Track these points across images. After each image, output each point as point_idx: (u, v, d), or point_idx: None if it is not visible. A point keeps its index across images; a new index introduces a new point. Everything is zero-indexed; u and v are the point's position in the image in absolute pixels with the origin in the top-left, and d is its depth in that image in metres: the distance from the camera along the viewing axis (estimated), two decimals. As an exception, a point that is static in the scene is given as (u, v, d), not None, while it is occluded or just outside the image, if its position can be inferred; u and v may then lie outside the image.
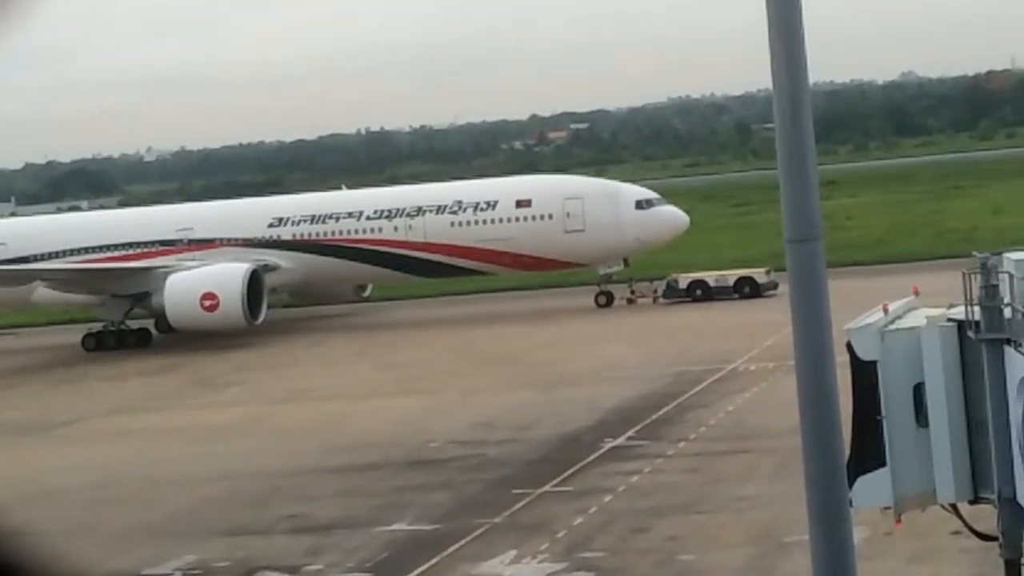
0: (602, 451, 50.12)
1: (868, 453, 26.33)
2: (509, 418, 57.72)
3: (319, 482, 49.55)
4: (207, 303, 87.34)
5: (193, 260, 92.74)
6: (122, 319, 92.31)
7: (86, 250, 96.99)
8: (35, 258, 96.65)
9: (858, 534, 22.58)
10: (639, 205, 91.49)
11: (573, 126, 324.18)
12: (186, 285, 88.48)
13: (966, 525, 28.09)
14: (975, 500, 26.74)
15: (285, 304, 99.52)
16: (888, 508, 26.91)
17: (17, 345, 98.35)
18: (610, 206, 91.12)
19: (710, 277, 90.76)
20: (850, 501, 19.46)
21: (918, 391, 26.47)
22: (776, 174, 17.07)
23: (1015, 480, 24.94)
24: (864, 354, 26.52)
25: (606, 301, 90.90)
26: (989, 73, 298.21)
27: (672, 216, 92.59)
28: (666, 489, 44.13)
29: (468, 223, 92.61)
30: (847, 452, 21.11)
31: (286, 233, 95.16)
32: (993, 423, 25.25)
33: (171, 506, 48.18)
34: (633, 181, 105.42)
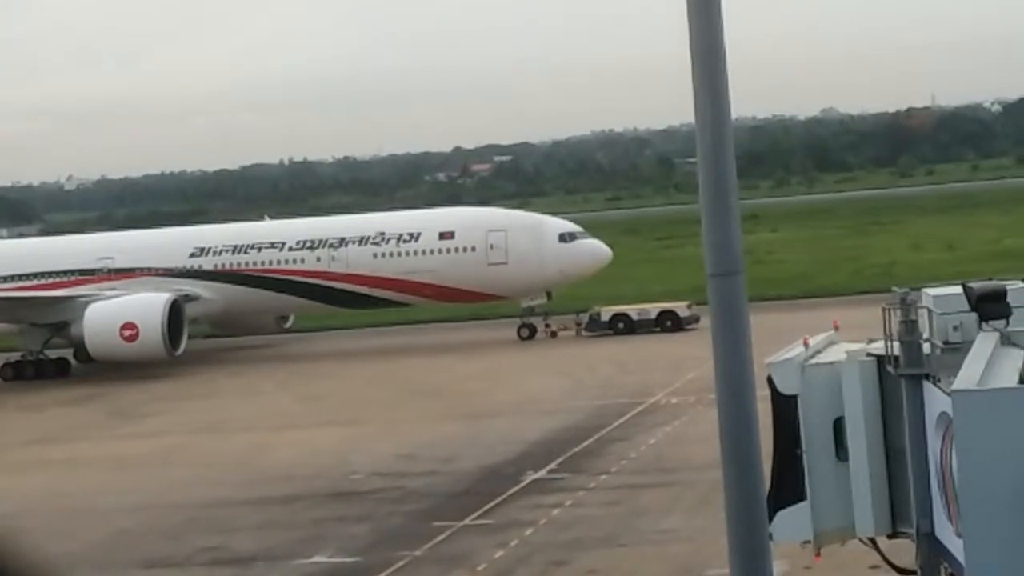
0: (524, 484, 50.05)
1: (788, 487, 26.42)
2: (431, 450, 57.54)
3: (238, 514, 49.18)
4: (127, 333, 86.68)
5: (113, 290, 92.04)
6: (41, 348, 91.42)
7: (5, 278, 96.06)
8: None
9: (778, 568, 22.59)
10: (562, 238, 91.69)
11: (497, 158, 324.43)
12: (106, 315, 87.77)
13: (884, 559, 28.23)
14: (894, 534, 26.88)
15: (206, 335, 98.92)
16: (808, 542, 27.00)
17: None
18: (533, 239, 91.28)
19: (632, 310, 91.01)
20: (770, 535, 19.48)
21: (838, 425, 26.61)
22: (698, 208, 17.12)
23: (933, 515, 25.08)
24: (785, 388, 26.63)
25: (529, 334, 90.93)
26: (910, 110, 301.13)
27: (595, 249, 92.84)
28: (587, 522, 44.10)
29: (391, 254, 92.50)
30: (767, 486, 21.18)
31: (207, 263, 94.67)
32: (912, 458, 25.39)
33: (86, 538, 47.62)
34: (556, 214, 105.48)
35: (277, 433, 65.17)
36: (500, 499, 47.86)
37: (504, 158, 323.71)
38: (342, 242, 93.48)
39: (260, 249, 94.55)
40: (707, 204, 16.91)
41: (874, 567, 30.79)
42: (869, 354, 27.07)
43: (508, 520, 45.08)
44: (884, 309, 26.17)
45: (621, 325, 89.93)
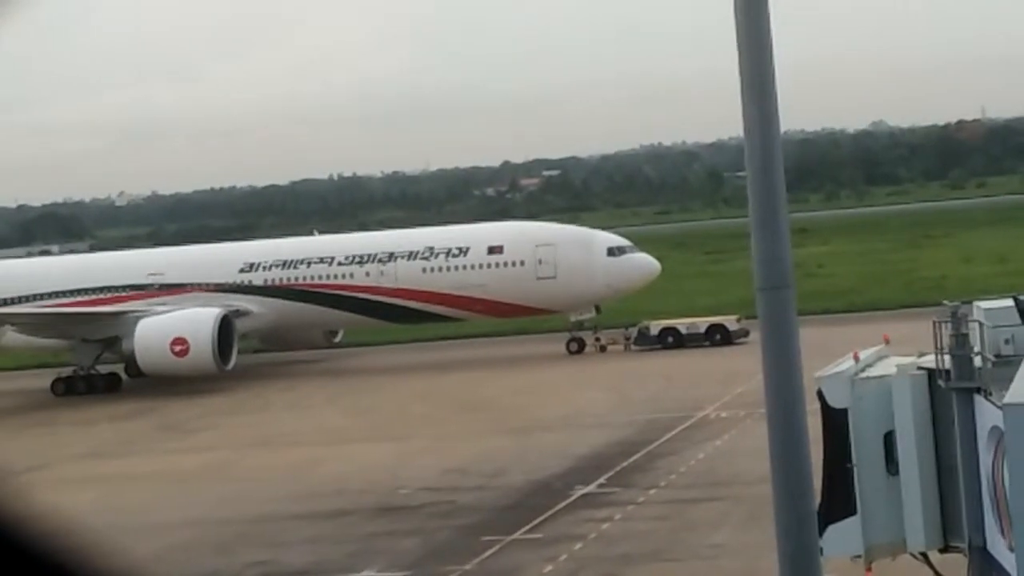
0: (573, 498, 50.00)
1: (839, 501, 26.35)
2: (480, 464, 57.56)
3: (288, 528, 49.31)
4: (177, 348, 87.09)
5: (164, 305, 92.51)
6: (92, 364, 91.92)
7: (57, 294, 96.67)
8: (5, 302, 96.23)
9: (828, 582, 22.49)
10: (611, 252, 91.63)
11: (545, 173, 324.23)
12: (156, 330, 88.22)
13: (936, 573, 28.09)
14: (945, 548, 26.77)
15: (256, 350, 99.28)
16: (858, 556, 26.91)
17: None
18: (582, 253, 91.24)
19: (681, 324, 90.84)
20: (820, 549, 19.42)
21: (888, 439, 26.53)
22: (748, 222, 17.10)
23: (985, 529, 24.96)
24: (835, 402, 26.57)
25: (577, 348, 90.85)
26: (960, 123, 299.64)
27: (644, 263, 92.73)
28: (637, 537, 44.03)
29: (440, 269, 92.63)
30: (818, 500, 21.13)
31: (257, 278, 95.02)
32: (963, 472, 25.28)
33: (137, 552, 47.76)
34: (605, 228, 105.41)
35: (327, 448, 65.33)
36: (549, 513, 47.84)
37: (552, 172, 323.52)
38: (391, 257, 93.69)
39: (309, 264, 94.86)
40: (756, 218, 16.91)
41: (926, 582, 30.62)
42: (920, 368, 26.98)
43: (557, 534, 45.06)
44: (935, 323, 26.08)
45: (670, 339, 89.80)
